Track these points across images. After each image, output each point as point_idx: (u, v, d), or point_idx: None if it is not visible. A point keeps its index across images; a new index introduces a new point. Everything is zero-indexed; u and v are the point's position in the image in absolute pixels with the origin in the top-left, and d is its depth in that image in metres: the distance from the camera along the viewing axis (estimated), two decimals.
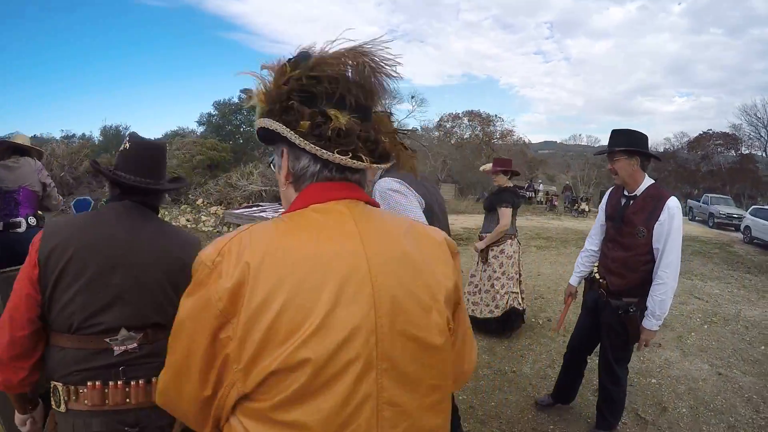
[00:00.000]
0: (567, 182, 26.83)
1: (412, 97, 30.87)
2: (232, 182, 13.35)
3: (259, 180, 12.96)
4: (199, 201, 14.29)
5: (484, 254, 4.16)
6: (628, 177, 2.44)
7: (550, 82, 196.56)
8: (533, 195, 23.32)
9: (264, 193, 11.95)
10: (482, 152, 29.12)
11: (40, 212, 3.24)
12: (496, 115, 29.68)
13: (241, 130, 26.21)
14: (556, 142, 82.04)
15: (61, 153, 16.93)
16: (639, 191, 2.42)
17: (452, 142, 30.29)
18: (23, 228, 2.98)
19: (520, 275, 4.19)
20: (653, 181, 2.48)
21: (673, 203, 2.32)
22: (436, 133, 30.76)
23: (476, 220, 14.43)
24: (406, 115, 30.29)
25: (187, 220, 13.05)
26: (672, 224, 2.29)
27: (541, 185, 25.32)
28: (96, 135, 30.69)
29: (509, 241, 4.04)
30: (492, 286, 4.08)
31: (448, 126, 30.81)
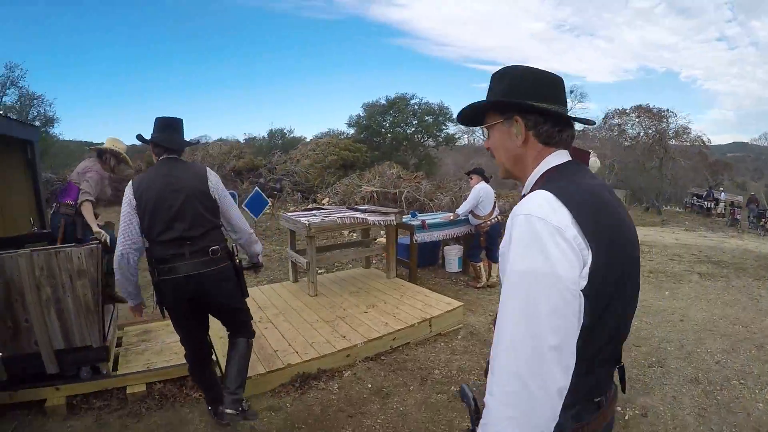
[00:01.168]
0: (752, 192, 21.46)
1: (571, 92, 27.71)
2: (354, 182, 13.11)
3: (377, 181, 12.45)
4: (325, 200, 14.45)
5: None
6: None
7: (737, 72, 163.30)
8: (713, 206, 19.10)
9: (375, 194, 11.44)
10: (654, 153, 24.95)
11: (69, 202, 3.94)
12: (668, 110, 25.13)
13: (383, 130, 26.44)
14: (746, 143, 67.67)
15: (215, 153, 18.88)
16: None
17: (625, 143, 26.51)
18: (52, 210, 3.97)
19: None
20: None
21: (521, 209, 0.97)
22: (602, 134, 27.27)
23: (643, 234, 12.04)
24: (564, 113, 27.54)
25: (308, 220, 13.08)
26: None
27: (723, 194, 20.59)
28: (264, 136, 33.48)
29: None
30: None
31: (614, 123, 27.14)
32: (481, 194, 6.00)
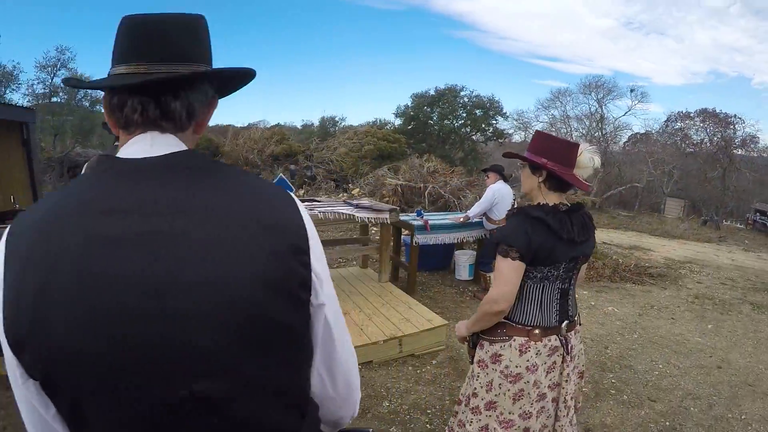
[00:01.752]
0: None
1: (632, 91, 25.78)
2: (385, 174, 12.50)
3: (407, 174, 11.76)
4: (355, 191, 13.96)
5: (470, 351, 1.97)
6: None
7: None
8: None
9: (400, 188, 10.76)
10: (717, 162, 22.71)
11: None
12: (736, 116, 22.71)
13: (430, 122, 25.45)
14: None
15: (256, 137, 18.85)
16: None
17: (687, 150, 24.38)
18: None
19: None
20: None
21: None
22: (663, 138, 25.15)
23: (688, 250, 10.79)
24: (624, 112, 25.48)
25: None
26: None
27: None
28: (315, 123, 33.38)
29: (518, 337, 1.72)
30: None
31: (676, 127, 25.00)
32: (496, 196, 5.25)
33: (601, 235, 12.11)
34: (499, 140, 26.71)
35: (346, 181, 15.72)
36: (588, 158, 1.73)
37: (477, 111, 25.35)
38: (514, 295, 1.66)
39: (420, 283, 6.13)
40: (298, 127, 32.87)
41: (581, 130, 24.73)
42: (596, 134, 23.84)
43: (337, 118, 31.61)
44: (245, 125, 25.20)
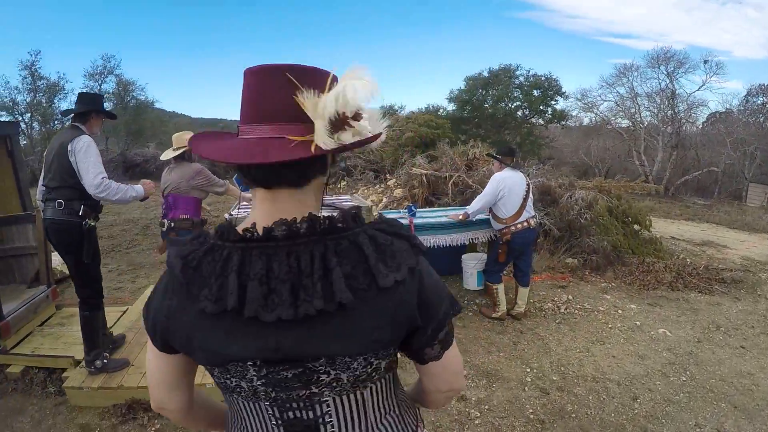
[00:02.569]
0: None
1: (705, 62, 22.06)
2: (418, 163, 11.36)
3: (438, 163, 10.57)
4: (391, 181, 12.90)
5: None
6: None
7: None
8: None
9: (425, 178, 9.56)
10: None
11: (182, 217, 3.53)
12: None
13: (486, 105, 23.55)
14: None
15: None
16: None
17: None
18: (165, 228, 3.49)
19: None
20: None
21: None
22: (745, 117, 21.60)
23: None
24: (698, 87, 21.92)
25: (372, 201, 11.76)
26: None
27: None
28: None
29: None
30: None
31: (758, 102, 21.46)
32: (501, 187, 4.07)
33: (670, 228, 10.23)
34: (561, 122, 24.25)
35: (385, 172, 14.72)
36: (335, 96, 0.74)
37: (534, 91, 23.04)
38: (174, 400, 0.88)
39: None
40: None
41: (652, 109, 21.61)
42: (668, 113, 20.68)
43: (396, 107, 30.39)
44: None
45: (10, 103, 15.15)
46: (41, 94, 15.76)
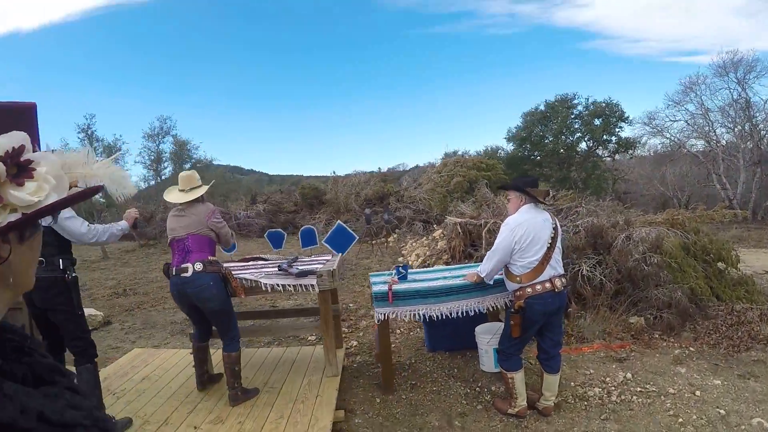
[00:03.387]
0: None
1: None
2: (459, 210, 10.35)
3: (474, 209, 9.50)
4: (437, 233, 11.89)
5: None
6: None
7: None
8: None
9: (459, 227, 8.46)
10: None
11: (210, 258, 3.22)
12: None
13: (546, 141, 21.92)
14: None
15: (354, 182, 18.09)
16: None
17: None
18: (189, 273, 3.09)
19: None
20: None
21: None
22: None
23: None
24: None
25: (417, 255, 10.84)
26: None
27: None
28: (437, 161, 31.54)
29: None
30: None
31: None
32: (515, 235, 3.01)
33: (763, 260, 8.21)
34: (629, 151, 21.91)
35: (433, 221, 13.75)
36: None
37: (595, 120, 21.02)
38: None
39: (420, 371, 3.99)
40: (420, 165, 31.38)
41: (727, 124, 18.60)
42: (745, 126, 17.63)
43: (459, 152, 29.56)
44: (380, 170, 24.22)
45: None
46: (98, 155, 16.74)
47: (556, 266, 3.04)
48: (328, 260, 3.93)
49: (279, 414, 3.06)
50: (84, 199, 0.68)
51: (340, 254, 4.15)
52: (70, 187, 0.65)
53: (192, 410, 3.25)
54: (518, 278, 3.03)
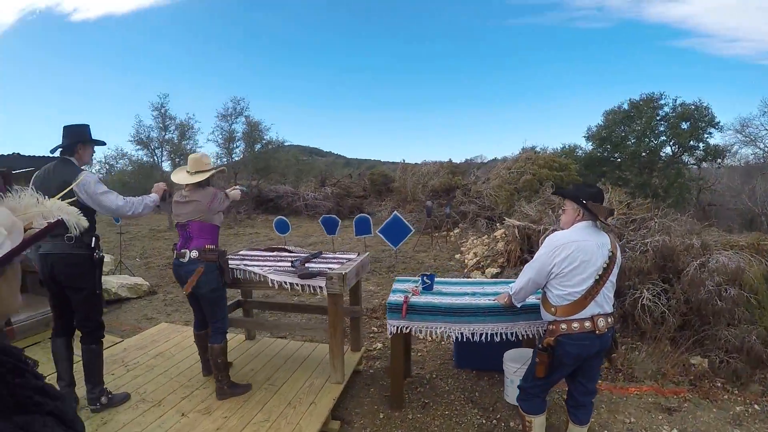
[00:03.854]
0: None
1: None
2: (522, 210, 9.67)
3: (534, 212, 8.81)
4: (499, 232, 11.23)
5: None
6: None
7: None
8: None
9: (517, 231, 7.79)
10: None
11: (208, 246, 3.13)
12: None
13: (628, 143, 19.94)
14: None
15: (424, 171, 17.66)
16: None
17: None
18: (186, 259, 3.08)
19: None
20: None
21: None
22: None
23: None
24: None
25: (474, 254, 10.41)
26: None
27: None
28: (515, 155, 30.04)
29: None
30: None
31: None
32: (556, 256, 2.50)
33: None
34: (718, 160, 19.23)
35: (497, 219, 13.04)
36: None
37: (682, 124, 18.70)
38: None
39: (438, 389, 3.62)
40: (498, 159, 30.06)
41: None
42: None
43: (538, 149, 28.04)
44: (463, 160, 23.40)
45: (146, 139, 17.11)
46: (171, 132, 17.59)
47: (603, 303, 2.48)
48: (349, 260, 3.64)
49: (266, 416, 2.87)
50: (44, 236, 0.72)
51: (362, 256, 3.83)
52: (26, 229, 0.70)
53: (187, 396, 3.16)
54: (553, 309, 2.53)
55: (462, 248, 11.59)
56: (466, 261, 9.97)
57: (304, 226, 15.96)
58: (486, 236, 11.93)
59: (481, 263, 8.87)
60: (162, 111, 17.17)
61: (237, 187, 3.59)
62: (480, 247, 10.95)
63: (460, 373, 3.94)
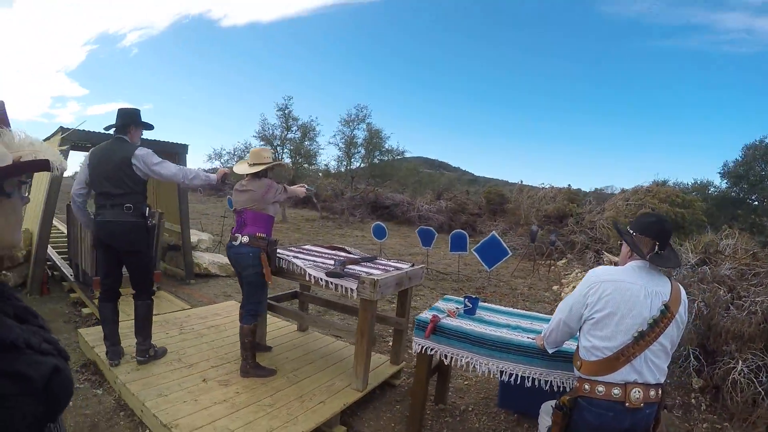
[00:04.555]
0: None
1: None
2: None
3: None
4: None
5: None
6: None
7: None
8: None
9: None
10: None
11: (259, 234, 3.27)
12: None
13: (766, 182, 16.59)
14: None
15: (540, 196, 16.64)
16: None
17: None
18: (237, 243, 3.25)
19: None
20: None
21: None
22: None
23: None
24: None
25: (574, 287, 9.61)
26: None
27: None
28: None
29: None
30: None
31: None
32: (593, 293, 2.04)
33: None
34: None
35: (605, 253, 11.82)
36: None
37: None
38: None
39: (467, 425, 3.33)
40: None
41: None
42: None
43: (671, 183, 24.99)
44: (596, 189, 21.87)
45: (269, 136, 18.43)
46: (293, 132, 18.75)
47: (643, 370, 1.94)
48: (396, 269, 3.50)
49: (273, 401, 2.91)
50: (29, 170, 0.79)
51: (414, 267, 3.66)
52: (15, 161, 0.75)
53: (217, 366, 3.35)
54: (579, 363, 2.09)
55: (563, 280, 10.71)
56: (562, 294, 9.18)
57: (412, 236, 15.92)
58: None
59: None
60: (286, 112, 18.52)
61: (303, 185, 3.75)
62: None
63: (499, 413, 3.57)
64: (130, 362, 3.27)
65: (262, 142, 18.79)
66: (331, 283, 3.08)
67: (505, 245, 9.24)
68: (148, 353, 3.31)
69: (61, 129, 4.96)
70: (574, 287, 9.43)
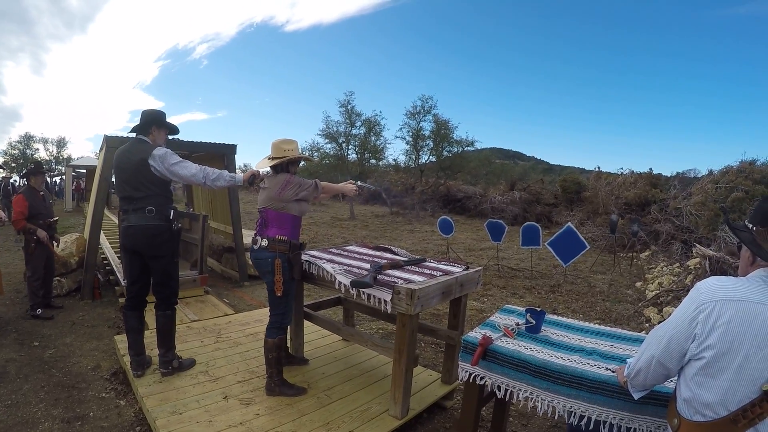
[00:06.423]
0: None
1: None
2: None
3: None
4: (693, 261, 8.75)
5: None
6: None
7: None
8: None
9: (707, 263, 5.64)
10: None
11: (279, 237, 2.87)
12: None
13: None
14: None
15: (620, 182, 15.04)
16: None
17: None
18: (257, 246, 2.91)
19: None
20: None
21: None
22: None
23: None
24: None
25: (659, 284, 8.55)
26: None
27: None
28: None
29: None
30: None
31: None
32: (704, 319, 1.29)
33: None
34: None
35: (694, 243, 10.34)
36: None
37: None
38: None
39: None
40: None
41: None
42: None
43: (759, 162, 21.69)
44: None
45: (334, 133, 18.12)
46: (358, 128, 18.32)
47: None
48: (446, 272, 2.92)
49: (292, 430, 2.43)
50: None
51: (466, 271, 3.04)
52: None
53: (244, 381, 3.00)
54: (676, 421, 1.41)
55: (647, 275, 9.50)
56: (647, 292, 8.04)
57: (484, 230, 15.03)
58: (678, 264, 9.59)
59: (661, 298, 6.98)
60: (348, 108, 18.16)
61: (352, 182, 3.22)
62: (668, 276, 8.81)
63: None
64: (154, 373, 3.00)
65: (326, 140, 18.68)
66: (364, 292, 2.58)
67: (582, 237, 8.24)
68: (171, 365, 3.07)
69: (105, 137, 5.01)
70: (660, 284, 8.27)
